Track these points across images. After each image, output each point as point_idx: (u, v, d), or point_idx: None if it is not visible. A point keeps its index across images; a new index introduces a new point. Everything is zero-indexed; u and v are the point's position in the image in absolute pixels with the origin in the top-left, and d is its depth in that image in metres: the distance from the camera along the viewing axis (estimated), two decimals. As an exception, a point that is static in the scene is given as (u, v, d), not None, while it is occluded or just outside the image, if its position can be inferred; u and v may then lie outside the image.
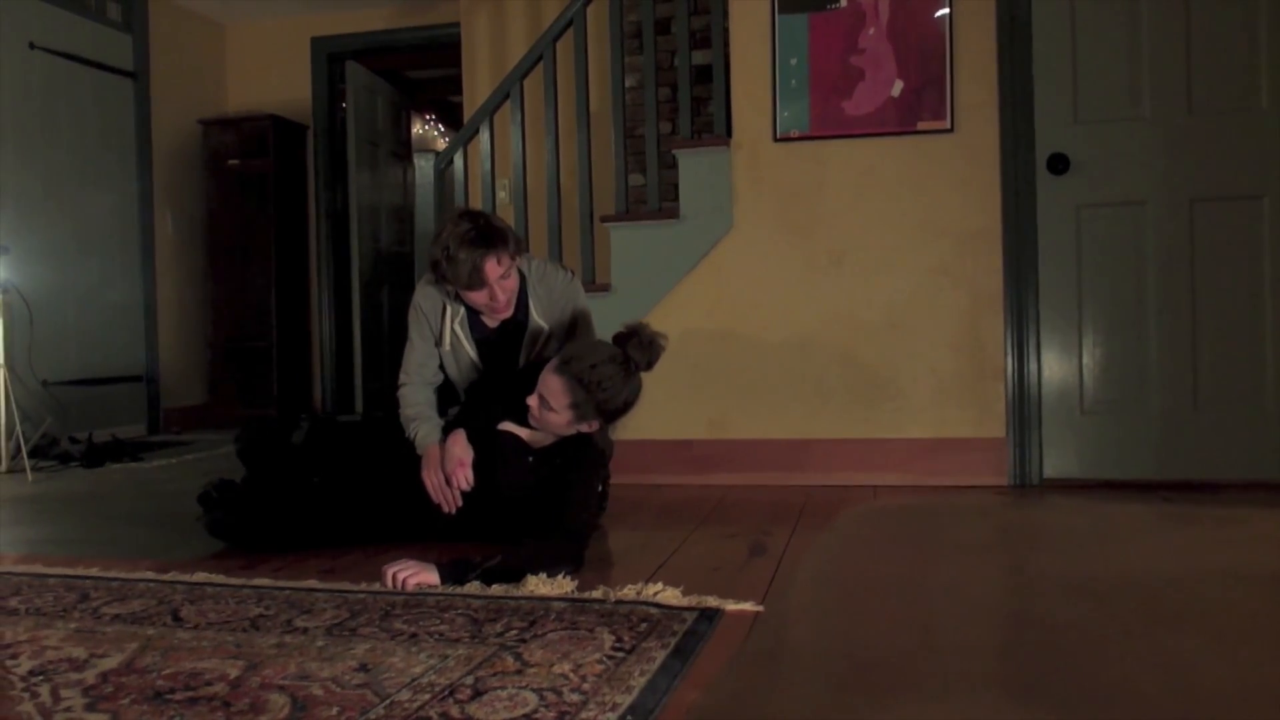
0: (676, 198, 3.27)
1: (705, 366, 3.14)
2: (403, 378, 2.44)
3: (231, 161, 5.56)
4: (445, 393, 2.49)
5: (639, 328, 2.13)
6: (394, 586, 1.79)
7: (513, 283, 2.35)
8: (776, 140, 3.12)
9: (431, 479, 2.22)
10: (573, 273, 2.54)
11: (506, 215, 3.69)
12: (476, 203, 3.67)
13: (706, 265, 3.17)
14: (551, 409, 2.10)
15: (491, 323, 2.43)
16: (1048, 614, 1.66)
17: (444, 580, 1.79)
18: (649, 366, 2.13)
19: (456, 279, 2.27)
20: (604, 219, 3.30)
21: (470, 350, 2.43)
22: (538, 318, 2.43)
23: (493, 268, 2.26)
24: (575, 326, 2.45)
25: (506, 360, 2.44)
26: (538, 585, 1.76)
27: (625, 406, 2.14)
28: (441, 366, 2.46)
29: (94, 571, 2.02)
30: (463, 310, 2.41)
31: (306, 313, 5.85)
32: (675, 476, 3.14)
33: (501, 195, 4.23)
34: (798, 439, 3.09)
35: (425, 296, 2.43)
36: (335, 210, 5.84)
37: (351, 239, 5.57)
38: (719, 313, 3.17)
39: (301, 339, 5.80)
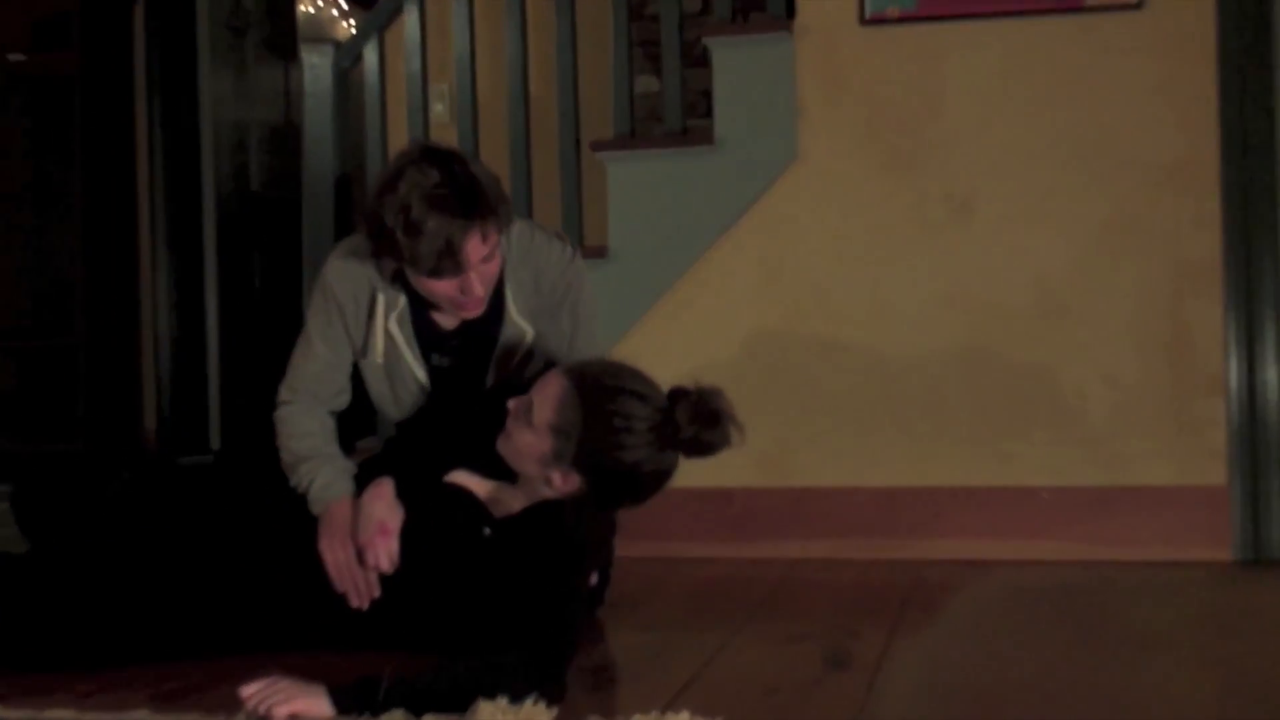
0: (709, 113, 3.31)
1: (754, 375, 3.13)
2: (285, 394, 2.43)
3: (13, 57, 5.53)
4: (352, 419, 2.51)
5: (704, 391, 2.13)
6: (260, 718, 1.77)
7: (494, 266, 2.31)
8: (865, 23, 3.13)
9: (335, 554, 2.19)
10: (575, 248, 2.53)
11: (445, 137, 3.65)
12: (399, 122, 3.63)
13: (755, 218, 3.18)
14: (530, 423, 2.11)
15: (448, 322, 2.42)
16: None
17: (340, 709, 1.76)
18: (691, 449, 2.16)
19: (416, 258, 2.19)
20: (596, 146, 3.33)
21: (414, 364, 2.42)
22: (516, 315, 2.42)
23: (475, 246, 2.20)
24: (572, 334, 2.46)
25: (467, 379, 2.44)
26: (494, 715, 1.72)
27: (629, 478, 2.16)
28: (360, 386, 2.46)
29: None
30: (403, 301, 2.39)
31: (134, 292, 5.81)
32: (710, 545, 3.14)
33: (438, 109, 4.21)
34: (896, 487, 3.10)
35: (343, 275, 2.40)
36: (178, 133, 5.80)
37: (204, 177, 5.57)
38: (774, 292, 3.18)
39: (126, 333, 5.77)
